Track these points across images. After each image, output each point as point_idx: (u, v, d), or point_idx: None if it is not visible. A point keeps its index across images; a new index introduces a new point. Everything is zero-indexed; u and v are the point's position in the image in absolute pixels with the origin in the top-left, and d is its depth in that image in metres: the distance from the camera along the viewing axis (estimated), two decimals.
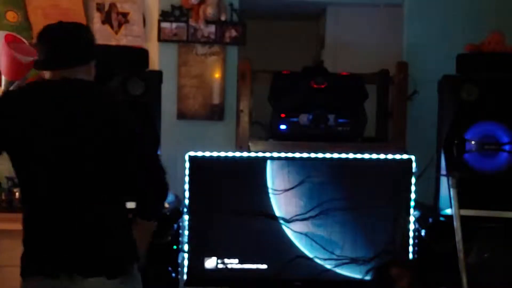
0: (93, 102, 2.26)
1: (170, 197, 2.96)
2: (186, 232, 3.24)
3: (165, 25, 4.02)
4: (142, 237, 2.39)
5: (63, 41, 2.28)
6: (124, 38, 4.03)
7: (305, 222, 3.27)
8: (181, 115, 4.06)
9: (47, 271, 2.23)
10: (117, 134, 2.24)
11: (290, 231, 3.27)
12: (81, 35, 2.33)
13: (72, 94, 2.24)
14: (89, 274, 2.21)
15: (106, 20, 4.02)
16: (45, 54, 2.26)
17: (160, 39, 4.02)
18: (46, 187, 2.24)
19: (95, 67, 2.35)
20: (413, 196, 3.27)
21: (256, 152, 3.33)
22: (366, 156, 3.28)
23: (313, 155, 3.28)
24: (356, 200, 3.27)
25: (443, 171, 3.15)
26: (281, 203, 3.24)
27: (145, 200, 2.36)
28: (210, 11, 3.97)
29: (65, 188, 2.23)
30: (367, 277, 3.27)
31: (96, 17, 4.02)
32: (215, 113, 4.08)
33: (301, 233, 3.27)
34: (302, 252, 3.27)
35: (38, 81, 2.32)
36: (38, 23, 3.95)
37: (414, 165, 3.27)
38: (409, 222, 3.27)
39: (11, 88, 2.52)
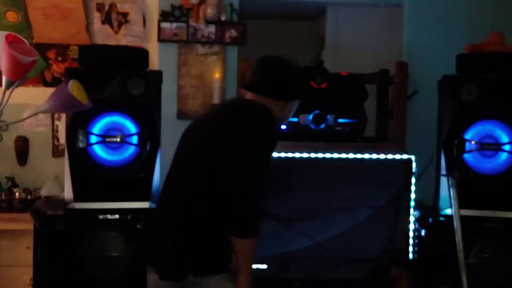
0: (232, 122, 2.42)
1: None
2: None
3: (165, 25, 4.02)
4: (238, 256, 2.41)
5: (262, 73, 2.59)
6: (124, 38, 4.03)
7: (305, 222, 3.27)
8: (181, 115, 4.06)
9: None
10: (230, 153, 2.34)
11: (290, 231, 3.27)
12: (280, 75, 2.56)
13: (227, 111, 2.51)
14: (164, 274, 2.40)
15: (106, 20, 4.03)
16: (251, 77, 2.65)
17: (160, 39, 4.03)
18: (167, 187, 2.53)
19: (285, 110, 2.59)
20: (413, 196, 3.27)
21: None
22: (366, 156, 3.28)
23: (313, 155, 3.28)
24: (356, 200, 3.27)
25: (443, 171, 3.15)
26: (281, 203, 3.24)
27: (233, 218, 2.37)
28: (210, 11, 3.97)
29: (178, 193, 2.45)
30: (367, 277, 3.26)
31: (96, 17, 4.02)
32: None
33: (301, 233, 3.28)
34: (302, 252, 3.27)
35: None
36: (38, 23, 3.96)
37: (414, 165, 3.27)
38: (409, 222, 3.27)
39: (12, 88, 2.51)
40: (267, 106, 2.46)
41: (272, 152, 2.44)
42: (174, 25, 4.02)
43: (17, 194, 3.76)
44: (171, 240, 2.41)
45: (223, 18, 4.02)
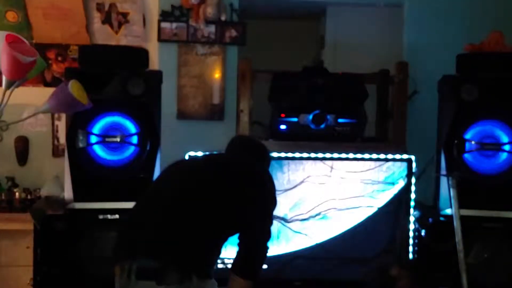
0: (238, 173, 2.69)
1: None
2: None
3: (165, 25, 4.02)
4: None
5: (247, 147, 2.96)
6: (124, 38, 4.03)
7: (305, 222, 3.27)
8: (181, 115, 4.06)
9: None
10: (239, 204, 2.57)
11: (290, 231, 3.27)
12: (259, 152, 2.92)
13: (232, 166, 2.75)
14: (143, 276, 2.38)
15: (106, 20, 4.03)
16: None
17: (160, 39, 4.03)
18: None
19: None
20: (413, 196, 3.27)
21: None
22: (366, 156, 3.28)
23: (313, 155, 3.28)
24: (356, 200, 3.27)
25: (443, 171, 3.15)
26: (281, 203, 3.24)
27: (238, 258, 2.61)
28: (210, 11, 3.97)
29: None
30: (367, 277, 3.26)
31: (96, 17, 4.02)
32: (215, 113, 4.08)
33: (301, 233, 3.28)
34: (302, 252, 3.27)
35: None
36: (38, 23, 3.96)
37: (414, 165, 3.27)
38: (409, 222, 3.28)
39: (12, 88, 2.51)
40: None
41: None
42: (174, 25, 4.02)
43: (17, 194, 3.76)
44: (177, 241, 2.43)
45: (223, 18, 4.02)
